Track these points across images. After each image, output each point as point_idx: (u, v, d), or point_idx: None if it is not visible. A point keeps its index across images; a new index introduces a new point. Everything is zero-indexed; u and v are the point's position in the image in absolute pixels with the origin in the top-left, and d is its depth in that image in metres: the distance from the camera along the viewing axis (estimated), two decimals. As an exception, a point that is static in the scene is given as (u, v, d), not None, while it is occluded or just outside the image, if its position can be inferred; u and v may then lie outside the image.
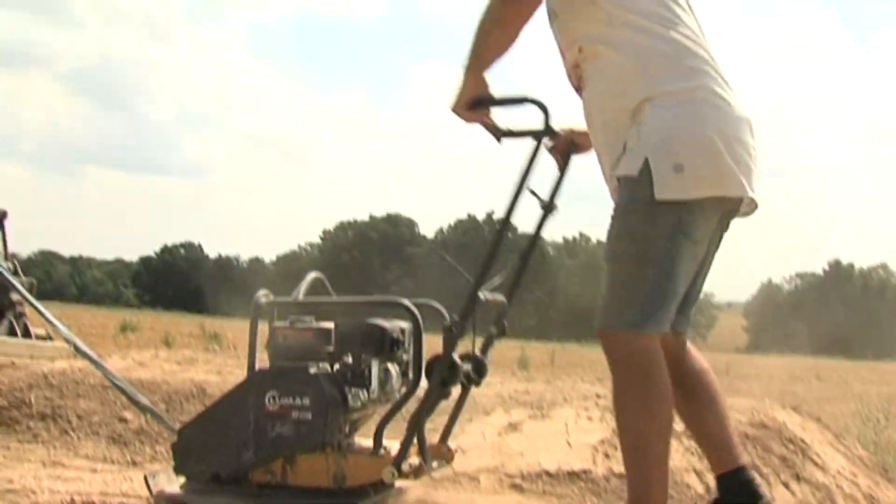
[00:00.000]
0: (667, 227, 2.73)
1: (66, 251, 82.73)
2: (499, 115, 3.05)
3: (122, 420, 4.35)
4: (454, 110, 2.99)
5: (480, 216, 78.70)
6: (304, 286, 3.24)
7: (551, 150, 3.09)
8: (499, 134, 3.06)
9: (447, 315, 2.95)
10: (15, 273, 6.18)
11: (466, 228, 78.22)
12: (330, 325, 3.04)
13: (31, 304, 3.76)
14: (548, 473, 3.76)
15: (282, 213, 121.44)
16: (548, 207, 3.07)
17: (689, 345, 3.01)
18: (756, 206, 2.90)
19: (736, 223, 2.95)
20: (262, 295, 3.10)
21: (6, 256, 6.22)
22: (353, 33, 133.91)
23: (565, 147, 3.09)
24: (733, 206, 2.87)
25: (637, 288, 2.75)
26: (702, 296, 3.17)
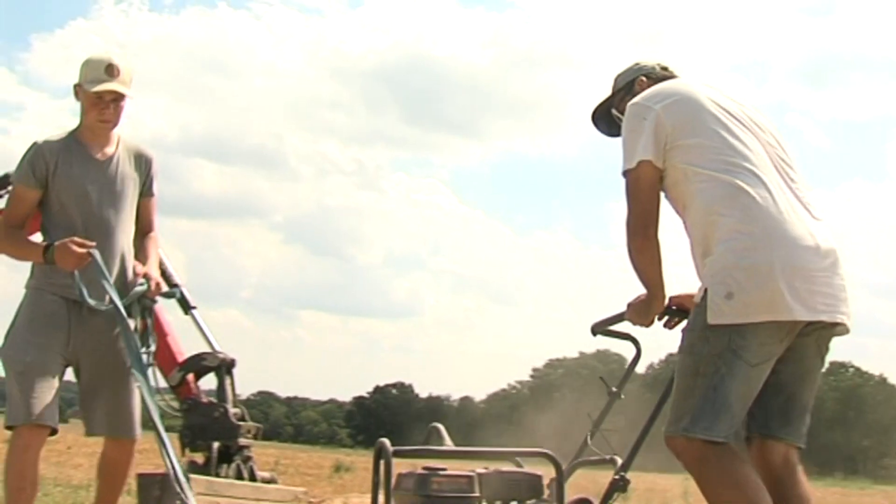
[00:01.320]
0: (717, 347, 3.09)
1: (283, 392, 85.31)
2: None
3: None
4: (646, 324, 3.58)
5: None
6: (445, 435, 3.56)
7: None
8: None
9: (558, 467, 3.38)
10: (242, 419, 6.39)
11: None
12: (474, 471, 3.31)
13: None
14: None
15: (490, 352, 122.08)
16: (614, 395, 4.15)
17: (799, 469, 3.29)
18: (846, 330, 3.24)
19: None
20: (385, 442, 3.29)
21: (235, 403, 6.43)
22: (552, 173, 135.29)
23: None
24: (822, 329, 3.20)
25: (689, 397, 3.13)
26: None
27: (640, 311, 3.52)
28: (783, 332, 3.12)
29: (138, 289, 4.25)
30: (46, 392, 4.01)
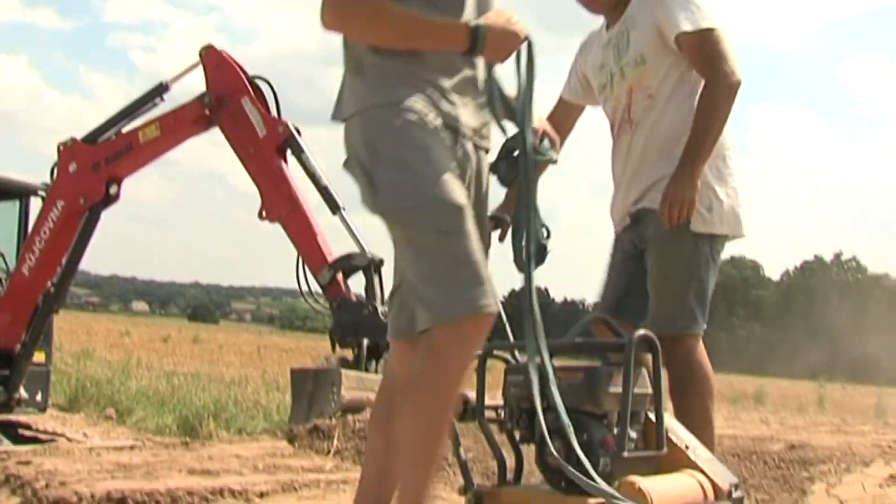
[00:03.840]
0: (704, 254, 3.45)
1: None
2: None
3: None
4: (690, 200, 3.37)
5: (828, 257, 75.36)
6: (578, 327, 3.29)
7: None
8: None
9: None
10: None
11: (814, 270, 75.05)
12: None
13: None
14: (930, 531, 3.54)
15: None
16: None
17: None
18: None
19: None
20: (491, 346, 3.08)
21: (383, 301, 6.61)
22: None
23: None
24: None
25: (685, 300, 3.43)
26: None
27: (686, 185, 3.34)
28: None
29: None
30: (485, 261, 2.56)
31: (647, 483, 2.64)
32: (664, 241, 3.44)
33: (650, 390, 2.93)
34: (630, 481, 2.63)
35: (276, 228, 6.72)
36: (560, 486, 2.75)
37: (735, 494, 2.89)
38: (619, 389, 2.83)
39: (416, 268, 2.52)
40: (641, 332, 2.83)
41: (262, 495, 3.86)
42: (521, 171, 2.71)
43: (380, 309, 6.45)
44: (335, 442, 4.92)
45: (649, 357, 2.84)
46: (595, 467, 2.67)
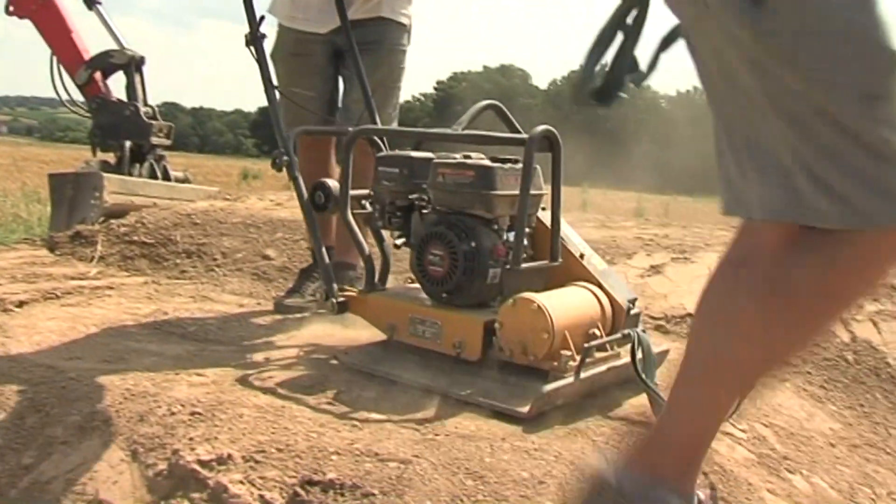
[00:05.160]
0: None
1: (188, 103, 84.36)
2: None
3: (266, 258, 4.42)
4: None
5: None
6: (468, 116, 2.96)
7: None
8: None
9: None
10: (153, 118, 6.29)
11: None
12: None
13: None
14: (692, 316, 3.71)
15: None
16: None
17: None
18: None
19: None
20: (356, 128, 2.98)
21: (145, 101, 6.31)
22: None
23: None
24: None
25: None
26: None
27: None
28: None
29: None
30: None
31: (544, 299, 2.41)
32: None
33: (544, 191, 2.64)
34: (527, 298, 2.41)
35: (32, 33, 6.29)
36: (440, 298, 2.57)
37: (633, 311, 2.67)
38: (514, 191, 2.51)
39: (816, 139, 1.40)
40: (542, 127, 2.49)
41: (21, 305, 3.66)
42: None
43: (142, 109, 6.17)
44: (98, 248, 4.73)
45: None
46: (483, 279, 2.49)
